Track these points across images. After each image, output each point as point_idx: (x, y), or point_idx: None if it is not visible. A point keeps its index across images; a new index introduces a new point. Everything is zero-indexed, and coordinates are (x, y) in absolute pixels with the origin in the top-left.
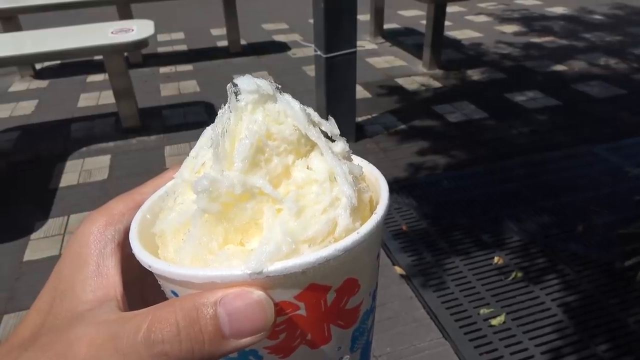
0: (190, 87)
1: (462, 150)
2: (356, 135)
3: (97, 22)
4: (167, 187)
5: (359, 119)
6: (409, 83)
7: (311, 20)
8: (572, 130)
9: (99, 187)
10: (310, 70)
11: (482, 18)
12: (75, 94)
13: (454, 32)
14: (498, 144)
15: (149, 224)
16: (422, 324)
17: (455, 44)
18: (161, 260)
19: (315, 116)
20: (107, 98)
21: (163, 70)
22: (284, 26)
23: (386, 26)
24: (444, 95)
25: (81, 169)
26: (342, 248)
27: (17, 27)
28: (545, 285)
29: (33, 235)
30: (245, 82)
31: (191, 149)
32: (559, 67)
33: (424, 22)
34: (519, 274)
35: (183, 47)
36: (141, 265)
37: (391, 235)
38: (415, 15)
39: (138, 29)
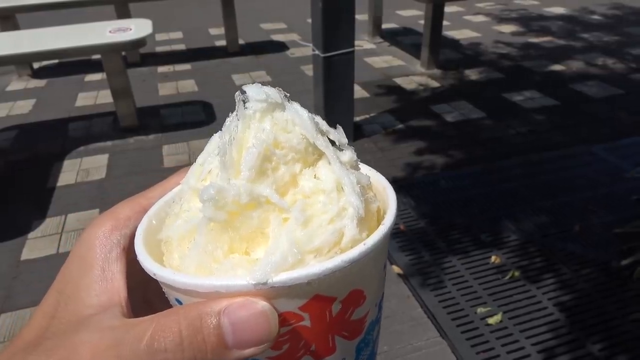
0: (188, 87)
1: (459, 149)
2: (354, 134)
3: (94, 21)
4: (173, 193)
5: (357, 119)
6: (407, 83)
7: (309, 20)
8: (569, 130)
9: (97, 186)
10: (309, 70)
11: (480, 18)
12: (73, 93)
13: (452, 32)
14: (496, 143)
15: (155, 229)
16: (420, 322)
17: (453, 43)
18: (166, 269)
19: (324, 125)
20: (104, 97)
21: (161, 69)
22: (282, 26)
23: (384, 26)
24: (442, 95)
25: (79, 168)
26: (349, 259)
27: (15, 26)
28: (542, 285)
29: (30, 235)
30: (254, 90)
31: (189, 148)
32: (557, 67)
33: (422, 22)
34: (516, 273)
35: (181, 47)
36: (145, 271)
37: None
38: (414, 15)
39: (136, 28)
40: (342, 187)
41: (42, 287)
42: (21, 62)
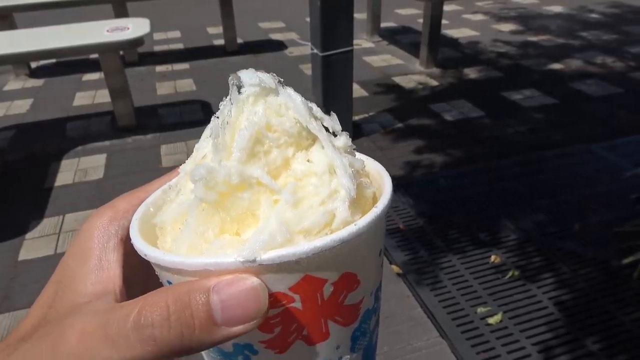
0: (186, 86)
1: (458, 148)
2: (353, 133)
3: (92, 20)
4: (171, 182)
5: (355, 118)
6: (405, 81)
7: (308, 19)
8: (568, 128)
9: (95, 186)
10: (307, 69)
11: (479, 16)
12: (71, 92)
13: (451, 31)
14: (494, 142)
15: (151, 216)
16: (419, 322)
17: (452, 42)
18: (157, 249)
19: (318, 111)
20: (102, 97)
21: (159, 68)
22: (281, 25)
23: (383, 24)
24: (441, 94)
25: (76, 168)
26: (338, 239)
27: (12, 26)
28: (542, 284)
29: (28, 235)
30: (248, 75)
31: (187, 148)
32: (556, 66)
33: (421, 20)
34: (516, 273)
35: (179, 46)
36: (144, 261)
37: (388, 233)
38: (412, 14)
39: (134, 27)
40: (334, 170)
41: (40, 288)
42: (18, 61)
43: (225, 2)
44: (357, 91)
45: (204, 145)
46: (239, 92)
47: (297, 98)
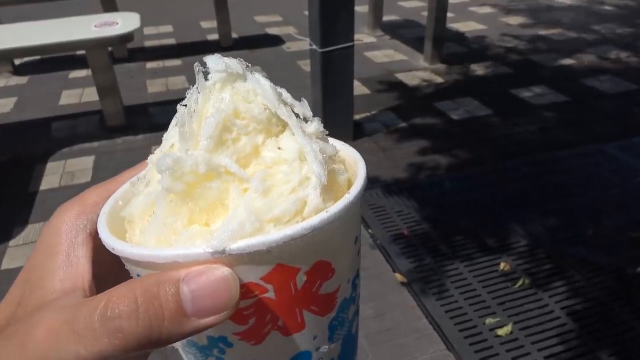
0: (178, 83)
1: (465, 149)
2: (354, 133)
3: (79, 15)
4: (140, 174)
5: (356, 117)
6: (409, 78)
7: (306, 12)
8: (581, 127)
9: (82, 189)
10: (306, 65)
11: (487, 9)
12: (57, 90)
13: (456, 24)
14: (503, 142)
15: (120, 209)
16: (424, 334)
17: (458, 36)
18: (125, 243)
19: (288, 97)
20: (90, 95)
21: (150, 65)
22: (278, 18)
23: (385, 18)
24: (447, 91)
25: (63, 171)
26: (309, 226)
27: None
28: (554, 293)
29: (11, 242)
30: (213, 61)
31: None
32: (568, 61)
33: (425, 13)
34: (527, 281)
35: (171, 41)
36: (115, 257)
37: (391, 240)
38: (416, 7)
39: (123, 22)
40: (304, 157)
41: None
42: (1, 58)
43: None
44: (358, 89)
45: (172, 135)
46: (206, 79)
47: (266, 83)
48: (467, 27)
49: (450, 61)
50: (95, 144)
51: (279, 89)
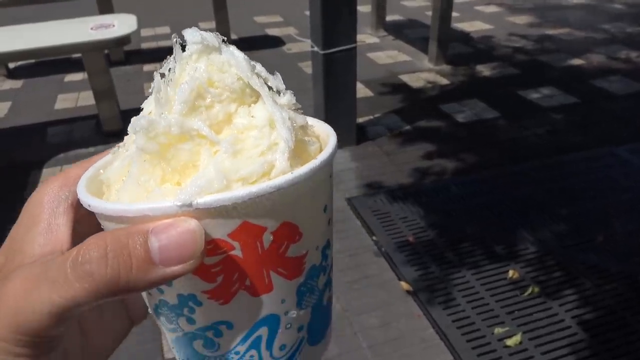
0: None
1: (471, 153)
2: (357, 137)
3: (75, 17)
4: (120, 143)
5: (359, 120)
6: (413, 80)
7: (307, 13)
8: (590, 130)
9: None
10: (307, 67)
11: (493, 8)
12: (52, 94)
13: (462, 24)
14: (510, 145)
15: (100, 175)
16: (431, 344)
17: (464, 37)
18: (99, 199)
19: (262, 71)
20: (86, 99)
21: (147, 68)
22: (278, 19)
23: (389, 18)
24: (452, 93)
25: None
26: (274, 185)
27: None
28: (564, 301)
29: None
30: (191, 34)
31: None
32: (577, 62)
33: (430, 13)
34: (536, 289)
35: (168, 43)
36: (95, 228)
37: (396, 247)
38: (420, 6)
39: (119, 24)
40: (274, 124)
41: None
42: None
43: None
44: (361, 91)
45: (149, 102)
46: (183, 51)
47: (240, 55)
48: (472, 26)
49: (455, 62)
50: (91, 149)
51: (253, 62)
